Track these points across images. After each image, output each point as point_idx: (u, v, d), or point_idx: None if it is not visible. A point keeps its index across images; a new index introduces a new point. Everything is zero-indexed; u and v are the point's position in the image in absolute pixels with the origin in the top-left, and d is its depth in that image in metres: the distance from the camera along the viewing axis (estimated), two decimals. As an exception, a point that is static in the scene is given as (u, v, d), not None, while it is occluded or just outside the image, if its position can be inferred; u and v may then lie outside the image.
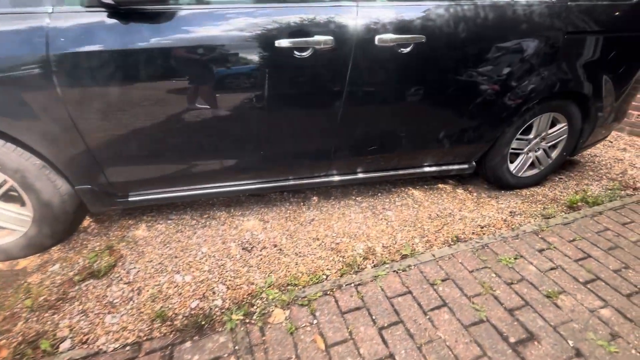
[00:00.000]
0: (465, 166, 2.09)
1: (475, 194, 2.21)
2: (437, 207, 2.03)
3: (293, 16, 1.35)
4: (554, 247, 1.59)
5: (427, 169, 2.01)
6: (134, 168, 1.49)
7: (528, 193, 2.24)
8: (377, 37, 1.43)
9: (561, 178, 2.49)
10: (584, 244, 1.63)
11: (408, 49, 1.49)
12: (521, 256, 1.54)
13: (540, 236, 1.68)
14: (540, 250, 1.58)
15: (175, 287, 1.39)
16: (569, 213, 1.94)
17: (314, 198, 2.07)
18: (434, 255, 1.54)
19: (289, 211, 1.94)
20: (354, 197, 2.09)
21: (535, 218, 1.92)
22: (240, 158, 1.61)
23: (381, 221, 1.87)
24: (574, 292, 1.36)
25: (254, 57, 1.35)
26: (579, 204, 2.04)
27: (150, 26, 1.23)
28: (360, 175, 1.90)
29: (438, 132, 1.83)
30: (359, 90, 1.53)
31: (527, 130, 2.06)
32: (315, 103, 1.53)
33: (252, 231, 1.75)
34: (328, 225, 1.83)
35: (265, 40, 1.32)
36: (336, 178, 1.85)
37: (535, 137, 2.09)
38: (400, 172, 1.96)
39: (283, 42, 1.33)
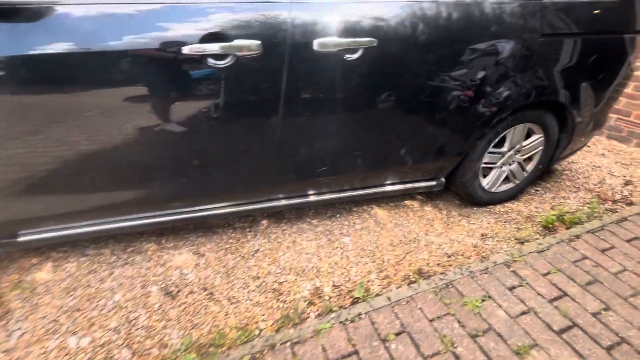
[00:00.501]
0: (433, 183, 1.87)
1: (445, 212, 2.00)
2: (401, 230, 1.81)
3: (206, 16, 1.08)
4: (527, 284, 1.40)
5: (389, 188, 1.79)
6: (17, 201, 1.20)
7: (502, 210, 2.05)
8: (316, 42, 1.17)
9: (537, 190, 2.32)
10: (560, 278, 1.44)
11: (356, 55, 1.24)
12: (490, 297, 1.34)
13: (512, 269, 1.49)
14: (512, 288, 1.39)
15: (65, 355, 1.12)
16: (544, 237, 1.76)
17: (263, 222, 1.82)
18: (389, 299, 1.32)
19: (231, 240, 1.68)
20: (309, 220, 1.85)
21: (508, 242, 1.73)
22: (156, 186, 1.33)
23: (336, 250, 1.64)
24: (547, 344, 1.16)
25: (160, 69, 1.08)
26: (555, 223, 1.87)
27: (9, 27, 0.94)
28: (313, 198, 1.65)
29: (399, 148, 1.60)
30: (298, 105, 1.28)
31: (500, 143, 1.86)
32: (244, 121, 1.26)
33: (182, 269, 1.49)
34: (274, 257, 1.58)
35: (171, 46, 1.05)
36: (282, 202, 1.60)
37: (509, 150, 1.89)
38: (359, 192, 1.72)
39: (194, 49, 1.06)
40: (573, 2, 1.51)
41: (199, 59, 1.08)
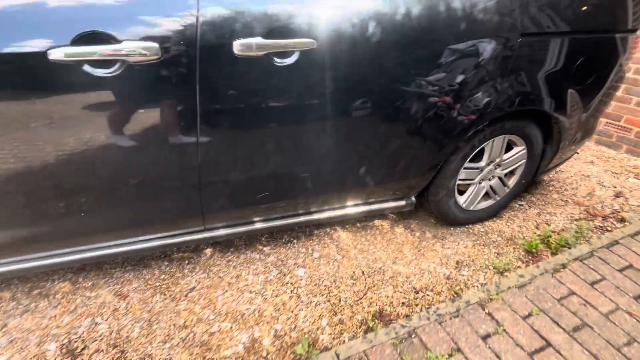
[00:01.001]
0: (402, 203, 1.65)
1: (417, 234, 1.78)
2: (365, 258, 1.59)
3: (81, 11, 0.82)
4: (504, 331, 1.19)
5: (351, 211, 1.56)
6: None
7: (481, 230, 1.84)
8: (236, 44, 0.94)
9: (521, 205, 2.12)
10: (543, 321, 1.23)
11: (290, 60, 1.01)
12: (459, 349, 1.12)
13: (487, 310, 1.27)
14: (486, 337, 1.17)
15: None
16: (526, 265, 1.55)
17: (207, 251, 1.58)
18: (337, 356, 1.09)
19: (163, 276, 1.44)
20: (260, 248, 1.61)
21: (486, 272, 1.52)
22: (59, 220, 1.08)
23: (286, 287, 1.41)
24: (526, 417, 0.95)
25: (24, 80, 0.82)
26: (539, 247, 1.66)
27: None
28: (260, 226, 1.41)
29: (356, 167, 1.37)
30: (219, 121, 1.03)
31: (478, 157, 1.65)
32: (152, 143, 1.01)
33: (95, 316, 1.24)
34: (211, 298, 1.34)
35: (31, 51, 0.80)
36: (222, 232, 1.35)
37: (487, 165, 1.67)
38: (315, 216, 1.49)
39: (67, 52, 0.81)
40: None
41: (74, 67, 0.83)
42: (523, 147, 1.67)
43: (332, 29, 1.02)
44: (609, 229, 1.88)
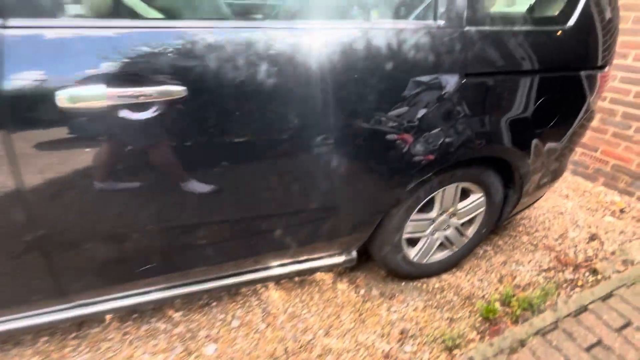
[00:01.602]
0: (341, 259, 1.41)
1: (362, 292, 1.55)
2: (294, 327, 1.34)
3: None
4: None
5: (276, 272, 1.31)
6: None
7: (437, 286, 1.62)
8: (59, 95, 0.71)
9: (486, 250, 1.91)
10: None
11: (151, 113, 0.78)
12: None
13: (423, 411, 1.04)
14: None
15: None
16: (481, 338, 1.32)
17: (106, 318, 1.32)
18: None
19: (37, 357, 1.18)
20: (169, 314, 1.35)
21: (433, 348, 1.29)
22: None
23: (187, 372, 1.16)
24: None
25: None
26: (499, 313, 1.44)
27: None
28: (155, 296, 1.16)
29: (270, 229, 1.13)
30: (44, 187, 0.80)
31: (429, 207, 1.44)
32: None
33: None
34: (87, 390, 1.09)
35: None
36: (99, 308, 1.10)
37: (440, 215, 1.46)
38: (227, 282, 1.24)
39: None
40: (506, 30, 1.10)
41: None
42: (481, 194, 1.47)
43: (216, 74, 0.79)
44: (579, 283, 1.67)
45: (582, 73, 1.32)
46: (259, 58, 0.83)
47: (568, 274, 1.74)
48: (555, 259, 1.85)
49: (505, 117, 1.20)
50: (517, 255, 1.86)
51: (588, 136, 2.62)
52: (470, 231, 1.59)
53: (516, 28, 1.11)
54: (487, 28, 1.07)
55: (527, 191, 1.54)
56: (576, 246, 1.97)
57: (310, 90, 0.90)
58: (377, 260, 1.48)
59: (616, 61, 2.39)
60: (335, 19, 0.90)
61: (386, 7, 0.98)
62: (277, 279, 1.45)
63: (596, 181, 2.64)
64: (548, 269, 1.76)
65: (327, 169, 1.06)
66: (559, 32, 1.20)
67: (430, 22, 1.00)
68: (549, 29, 1.18)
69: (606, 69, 1.39)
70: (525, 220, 2.22)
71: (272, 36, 0.84)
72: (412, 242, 1.52)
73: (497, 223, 1.69)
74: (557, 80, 1.26)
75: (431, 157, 1.14)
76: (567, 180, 2.75)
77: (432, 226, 1.46)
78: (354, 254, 1.42)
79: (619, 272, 1.70)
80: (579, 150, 2.72)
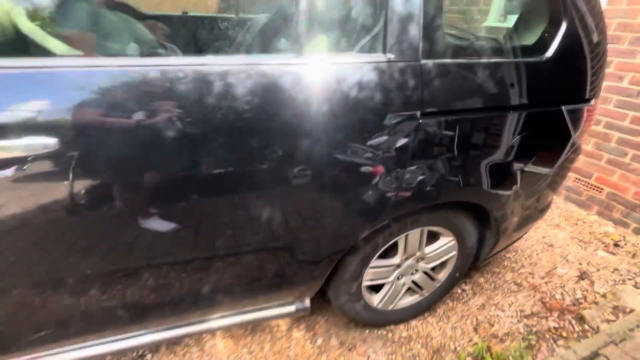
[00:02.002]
0: (291, 309, 1.24)
1: (320, 341, 1.40)
2: (236, 385, 1.20)
3: None
4: None
5: (216, 324, 1.16)
6: None
7: (404, 335, 1.46)
8: None
9: (464, 290, 1.75)
10: None
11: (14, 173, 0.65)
12: None
13: None
14: None
15: None
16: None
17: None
18: None
19: None
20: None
21: (389, 417, 1.15)
22: None
23: None
24: None
25: None
26: (469, 373, 1.30)
27: None
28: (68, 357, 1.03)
29: (197, 288, 0.99)
30: None
31: (392, 251, 1.29)
32: None
33: None
34: None
35: None
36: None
37: (405, 260, 1.32)
38: (153, 337, 1.10)
39: None
40: (471, 63, 0.96)
41: None
42: (451, 238, 1.32)
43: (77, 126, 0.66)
44: (563, 334, 1.51)
45: (565, 107, 1.18)
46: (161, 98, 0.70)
47: (552, 321, 1.57)
48: (540, 302, 1.69)
49: (472, 160, 1.06)
50: (498, 297, 1.70)
51: (582, 161, 2.47)
52: (442, 275, 1.44)
53: (484, 60, 0.98)
54: (447, 61, 0.93)
55: (505, 232, 1.39)
56: (564, 286, 1.81)
57: (219, 139, 0.77)
58: (335, 308, 1.34)
59: (611, 83, 2.24)
60: (255, 53, 0.77)
61: (323, 38, 0.84)
62: (221, 329, 1.31)
63: (590, 209, 2.48)
64: (531, 315, 1.61)
65: (271, 215, 0.92)
66: (536, 64, 1.06)
67: (378, 55, 0.86)
68: (523, 61, 1.04)
69: (592, 102, 1.25)
70: (511, 254, 2.07)
71: (175, 74, 0.71)
72: (376, 287, 1.37)
73: (475, 265, 1.54)
74: (534, 117, 1.11)
75: (380, 207, 1.00)
76: (560, 207, 2.59)
77: (397, 271, 1.32)
78: (307, 303, 1.27)
79: (608, 322, 1.54)
80: (572, 175, 2.56)
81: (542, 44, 1.07)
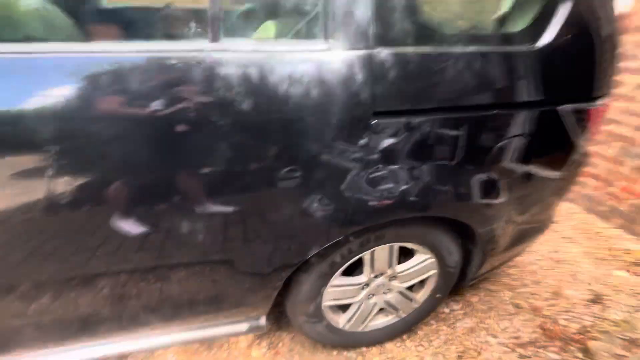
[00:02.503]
0: (243, 327, 1.12)
1: (281, 361, 1.28)
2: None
3: None
4: None
5: (160, 341, 1.07)
6: None
7: (377, 359, 1.32)
8: None
9: (453, 310, 1.57)
10: None
11: None
12: None
13: None
14: None
15: None
16: None
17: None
18: None
19: None
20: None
21: None
22: None
23: None
24: None
25: None
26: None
27: None
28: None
29: (128, 303, 0.89)
30: None
31: (358, 269, 1.14)
32: None
33: None
34: None
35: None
36: None
37: (374, 279, 1.17)
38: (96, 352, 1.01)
39: None
40: (439, 52, 0.80)
41: None
42: (428, 256, 1.15)
43: None
44: (563, 371, 1.32)
45: (564, 109, 0.99)
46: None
47: (552, 353, 1.38)
48: (540, 328, 1.49)
49: (443, 169, 0.90)
50: (492, 320, 1.51)
51: (604, 167, 2.21)
52: (421, 296, 1.27)
53: (456, 50, 0.81)
54: (409, 50, 0.77)
55: (494, 250, 1.21)
56: (571, 310, 1.59)
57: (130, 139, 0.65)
58: (296, 328, 1.21)
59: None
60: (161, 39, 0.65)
61: (246, 20, 0.71)
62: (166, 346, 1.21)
63: (611, 221, 2.21)
64: (527, 343, 1.41)
65: (202, 225, 0.81)
66: (524, 55, 0.88)
67: (317, 42, 0.72)
68: (508, 51, 0.86)
69: (600, 102, 1.05)
70: (513, 270, 1.86)
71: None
72: (345, 306, 1.23)
73: (462, 284, 1.36)
74: (522, 119, 0.93)
75: (329, 223, 0.86)
76: (577, 217, 2.33)
77: (365, 291, 1.17)
78: (262, 321, 1.14)
79: (617, 357, 1.33)
80: (592, 182, 2.30)
81: (534, 29, 0.89)
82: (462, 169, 0.91)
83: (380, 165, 0.83)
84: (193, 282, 0.92)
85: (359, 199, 0.85)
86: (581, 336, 1.45)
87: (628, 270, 1.85)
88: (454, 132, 0.85)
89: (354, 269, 1.14)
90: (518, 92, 0.89)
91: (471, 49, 0.82)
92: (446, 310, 1.54)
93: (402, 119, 0.80)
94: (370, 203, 0.86)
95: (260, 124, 0.71)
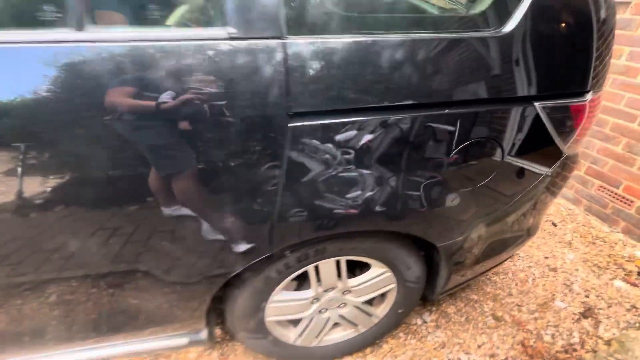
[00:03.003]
0: (182, 341, 1.06)
1: (229, 375, 1.20)
2: None
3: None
4: None
5: (98, 353, 1.00)
6: None
7: (332, 376, 1.23)
8: None
9: (424, 322, 1.46)
10: None
11: None
12: None
13: None
14: None
15: None
16: None
17: None
18: None
19: None
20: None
21: None
22: None
23: None
24: None
25: None
26: None
27: None
28: None
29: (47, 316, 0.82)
30: None
31: (306, 283, 1.03)
32: None
33: None
34: None
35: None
36: None
37: (324, 293, 1.06)
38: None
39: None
40: (374, 40, 0.66)
41: None
42: (384, 269, 1.04)
43: None
44: (540, 395, 1.19)
45: (541, 105, 0.84)
46: None
47: (530, 374, 1.26)
48: (520, 345, 1.36)
49: (383, 178, 0.77)
50: (467, 334, 1.39)
51: (609, 166, 2.01)
52: (381, 311, 1.16)
53: (395, 37, 0.67)
54: (331, 39, 0.64)
55: (463, 264, 1.08)
56: (558, 325, 1.45)
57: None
58: (242, 343, 1.13)
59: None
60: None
61: (121, 5, 0.59)
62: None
63: (615, 225, 2.03)
64: (503, 361, 1.30)
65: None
66: (487, 42, 0.73)
67: (213, 29, 0.60)
68: (464, 37, 0.72)
69: (588, 96, 0.89)
70: (500, 277, 1.72)
71: None
72: (295, 320, 1.13)
73: (431, 298, 1.25)
74: (485, 119, 0.79)
75: (251, 238, 0.75)
76: (577, 219, 2.15)
77: (316, 305, 1.07)
78: (203, 335, 1.05)
79: (602, 384, 1.20)
80: (595, 182, 2.10)
81: (499, 11, 0.74)
82: (410, 178, 0.78)
83: (305, 176, 0.71)
84: (115, 296, 0.84)
85: (282, 214, 0.74)
86: (566, 355, 1.32)
87: (629, 281, 1.68)
88: (395, 136, 0.72)
89: (302, 284, 1.04)
90: (478, 87, 0.75)
91: (413, 35, 0.68)
92: (418, 321, 1.43)
93: (328, 121, 0.67)
94: (293, 220, 0.74)
95: (147, 127, 0.60)
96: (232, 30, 0.59)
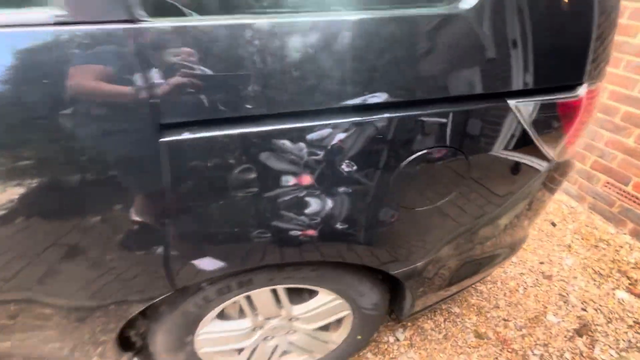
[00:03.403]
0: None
1: (171, 403, 1.09)
2: None
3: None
4: None
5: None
6: None
7: (285, 404, 1.11)
8: None
9: (397, 340, 1.32)
10: None
11: None
12: None
13: None
14: None
15: None
16: None
17: None
18: None
19: None
20: None
21: None
22: None
23: None
24: None
25: None
26: None
27: None
28: None
29: None
30: None
31: (242, 313, 0.89)
32: None
33: None
34: None
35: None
36: None
37: (266, 321, 0.92)
38: None
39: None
40: (277, 22, 0.48)
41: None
42: (333, 296, 0.88)
43: None
44: None
45: (516, 103, 0.65)
46: None
47: (510, 404, 1.11)
48: (502, 369, 1.22)
49: (307, 200, 0.61)
50: (444, 354, 1.25)
51: (618, 160, 1.79)
52: (338, 337, 1.02)
53: (305, 17, 0.49)
54: (212, 21, 0.47)
55: (428, 289, 0.93)
56: (548, 344, 1.30)
57: None
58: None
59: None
60: None
61: None
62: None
63: (622, 226, 1.83)
64: (481, 388, 1.15)
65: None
66: (442, 21, 0.55)
67: (35, 11, 0.43)
68: (407, 16, 0.53)
69: (581, 90, 0.70)
70: (487, 286, 1.56)
71: None
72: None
73: (399, 318, 1.10)
74: (444, 121, 0.61)
75: (153, 274, 0.60)
76: (580, 218, 1.95)
77: (258, 333, 0.93)
78: (130, 364, 0.95)
79: (592, 421, 1.05)
80: (602, 177, 1.89)
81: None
82: (347, 199, 0.62)
83: (197, 204, 0.55)
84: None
85: (176, 251, 0.59)
86: (554, 381, 1.18)
87: (632, 292, 1.51)
88: (322, 147, 0.55)
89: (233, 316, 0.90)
90: (427, 83, 0.57)
91: (334, 16, 0.50)
92: (390, 339, 1.29)
93: (220, 132, 0.51)
94: (190, 258, 0.59)
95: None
96: (58, 12, 0.42)
